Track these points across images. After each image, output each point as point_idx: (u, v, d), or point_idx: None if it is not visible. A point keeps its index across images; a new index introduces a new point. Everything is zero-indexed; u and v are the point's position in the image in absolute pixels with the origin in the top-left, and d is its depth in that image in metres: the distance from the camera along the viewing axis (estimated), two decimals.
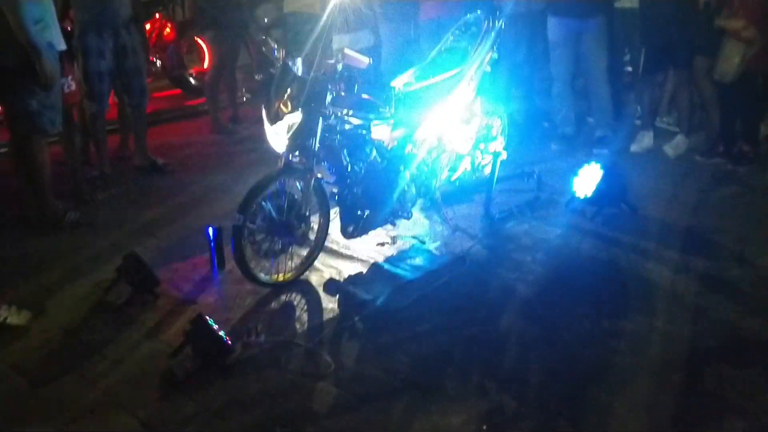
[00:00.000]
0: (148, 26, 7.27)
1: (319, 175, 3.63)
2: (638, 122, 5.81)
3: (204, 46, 7.22)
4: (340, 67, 3.41)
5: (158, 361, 3.03)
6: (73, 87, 4.80)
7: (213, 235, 3.84)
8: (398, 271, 3.80)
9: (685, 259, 3.80)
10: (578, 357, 3.00)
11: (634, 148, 5.52)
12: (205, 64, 7.32)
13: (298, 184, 3.59)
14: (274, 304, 3.52)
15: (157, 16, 7.50)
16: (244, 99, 7.51)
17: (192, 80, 7.69)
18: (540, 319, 3.29)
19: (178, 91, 7.77)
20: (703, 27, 5.00)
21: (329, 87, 3.42)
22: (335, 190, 3.79)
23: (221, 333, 3.01)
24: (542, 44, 5.87)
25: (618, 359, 2.97)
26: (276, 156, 3.58)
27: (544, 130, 5.92)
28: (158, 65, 7.48)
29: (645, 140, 5.54)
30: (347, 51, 3.39)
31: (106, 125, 5.24)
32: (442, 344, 3.13)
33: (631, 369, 2.91)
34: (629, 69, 6.37)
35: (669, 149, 5.32)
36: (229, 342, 3.01)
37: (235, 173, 5.36)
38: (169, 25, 7.56)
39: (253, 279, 3.54)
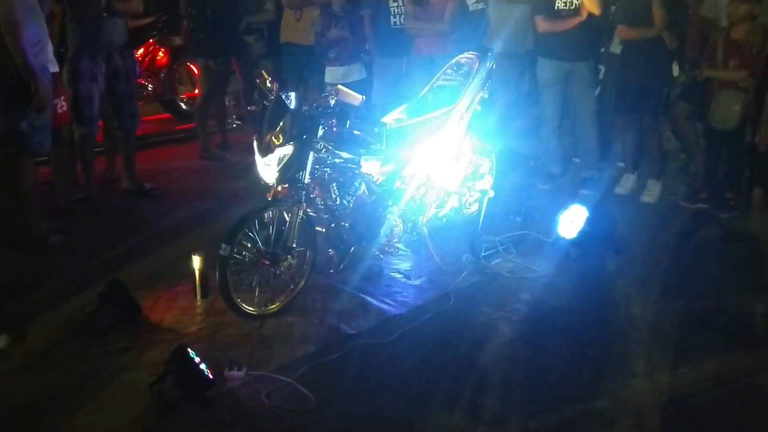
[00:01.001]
0: (141, 50, 7.32)
1: (307, 210, 3.64)
2: (621, 165, 5.88)
3: (196, 71, 7.27)
4: (333, 102, 3.44)
5: (138, 390, 3.00)
6: (65, 107, 4.80)
7: (198, 263, 3.83)
8: (383, 306, 3.79)
9: (667, 302, 3.83)
10: (561, 399, 3.00)
11: (618, 190, 5.58)
12: (197, 90, 7.37)
13: (286, 215, 3.60)
14: (256, 336, 3.49)
15: (151, 41, 7.54)
16: (234, 125, 7.54)
17: (183, 105, 7.72)
18: (524, 360, 3.30)
19: (168, 115, 7.79)
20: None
21: (321, 121, 3.45)
22: (323, 224, 3.80)
23: (202, 365, 2.99)
24: (528, 85, 5.98)
25: (600, 403, 2.98)
26: (265, 185, 3.59)
27: (531, 170, 5.98)
28: (150, 89, 7.49)
29: (629, 183, 5.61)
30: (341, 87, 3.44)
31: (95, 148, 5.24)
32: (426, 381, 3.12)
33: (613, 413, 2.91)
34: None
35: (647, 197, 5.39)
36: (210, 374, 2.99)
37: (222, 201, 5.36)
38: (162, 50, 7.60)
39: (237, 310, 3.52)
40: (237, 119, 7.68)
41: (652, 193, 5.38)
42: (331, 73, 5.78)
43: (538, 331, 3.56)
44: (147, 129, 6.84)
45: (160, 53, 7.56)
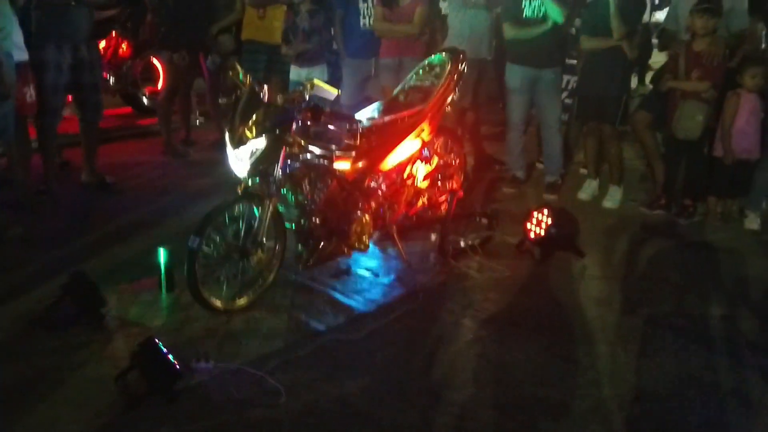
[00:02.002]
0: (103, 43, 7.18)
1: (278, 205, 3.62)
2: (584, 171, 5.99)
3: (159, 66, 7.17)
4: (307, 96, 3.43)
5: (102, 383, 2.93)
6: (34, 97, 4.68)
7: (164, 257, 3.76)
8: (352, 303, 3.79)
9: (629, 304, 3.91)
10: (530, 397, 3.03)
11: (580, 195, 5.68)
12: (159, 85, 7.27)
13: (256, 210, 3.57)
14: (224, 331, 3.45)
15: (114, 33, 7.39)
16: (197, 122, 7.45)
17: (145, 100, 7.60)
18: (492, 358, 3.32)
19: (128, 109, 7.65)
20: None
21: (296, 115, 3.43)
22: (293, 219, 3.77)
23: (170, 357, 2.94)
24: (489, 90, 6.07)
25: (567, 399, 3.02)
26: (231, 181, 3.55)
27: (495, 174, 6.05)
28: (111, 82, 7.35)
29: (591, 189, 5.72)
30: (316, 81, 3.42)
31: (56, 139, 5.11)
32: (396, 378, 3.12)
33: (580, 409, 2.96)
34: None
35: (608, 203, 5.50)
36: (178, 367, 2.94)
37: (185, 197, 5.30)
38: (125, 43, 7.46)
39: (205, 304, 3.47)
40: (201, 116, 7.59)
41: (613, 198, 5.50)
42: (295, 72, 5.81)
43: (506, 329, 3.59)
44: (107, 123, 6.69)
45: (123, 46, 7.43)
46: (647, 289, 4.14)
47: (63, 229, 4.58)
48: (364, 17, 5.93)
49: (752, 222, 5.09)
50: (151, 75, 7.54)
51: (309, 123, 3.47)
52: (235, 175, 3.54)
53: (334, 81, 6.00)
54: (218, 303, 3.51)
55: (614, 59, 5.24)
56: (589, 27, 5.36)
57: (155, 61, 7.36)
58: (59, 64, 4.86)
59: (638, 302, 3.94)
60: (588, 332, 3.61)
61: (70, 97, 5.31)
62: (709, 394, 3.09)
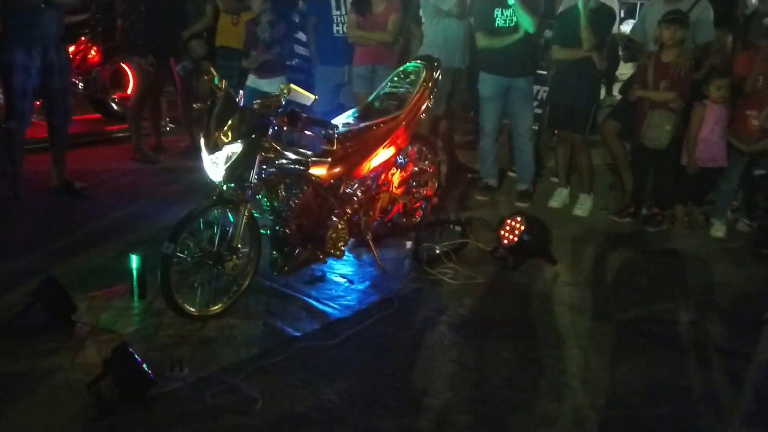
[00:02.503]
0: (72, 48, 7.07)
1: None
2: (555, 180, 6.07)
3: (129, 72, 7.10)
4: (283, 101, 3.42)
5: (74, 390, 2.88)
6: (2, 101, 4.60)
7: (136, 263, 3.72)
8: (327, 309, 3.77)
9: (600, 310, 3.96)
10: (505, 401, 3.05)
11: (551, 203, 5.75)
12: (129, 90, 7.19)
13: (231, 215, 3.54)
14: (198, 338, 3.41)
15: (83, 38, 7.30)
16: (168, 128, 7.38)
17: (114, 106, 7.51)
18: (468, 362, 3.34)
19: (98, 115, 7.55)
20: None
21: (272, 120, 3.42)
22: (268, 225, 3.76)
23: (143, 365, 2.90)
24: (461, 100, 6.12)
25: (541, 403, 3.04)
26: (203, 188, 3.53)
27: (468, 182, 6.10)
28: (80, 88, 7.24)
29: (562, 197, 5.79)
30: (293, 86, 3.42)
31: (24, 144, 5.03)
32: (372, 383, 3.11)
33: (554, 413, 2.98)
34: None
35: (578, 211, 5.58)
36: (151, 374, 2.90)
37: (156, 203, 5.26)
38: (94, 48, 7.37)
39: (178, 310, 3.44)
40: (171, 122, 7.52)
41: (583, 207, 5.58)
42: (254, 82, 5.79)
43: (481, 335, 3.61)
44: (76, 128, 6.58)
45: (93, 51, 7.33)
46: (618, 295, 4.20)
47: (32, 235, 4.50)
48: (337, 24, 5.95)
49: (718, 230, 5.20)
50: (120, 81, 7.45)
51: (285, 128, 3.46)
52: (210, 180, 3.52)
53: (306, 88, 5.98)
54: (192, 309, 3.48)
55: (584, 70, 5.33)
56: (559, 38, 5.45)
57: (125, 67, 7.28)
58: (28, 68, 4.79)
59: (609, 308, 4.00)
60: (561, 337, 3.65)
61: (38, 102, 5.22)
62: (680, 398, 3.14)
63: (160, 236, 3.45)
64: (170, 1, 6.12)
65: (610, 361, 3.44)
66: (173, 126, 7.49)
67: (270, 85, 5.62)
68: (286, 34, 5.83)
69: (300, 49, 6.31)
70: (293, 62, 6.15)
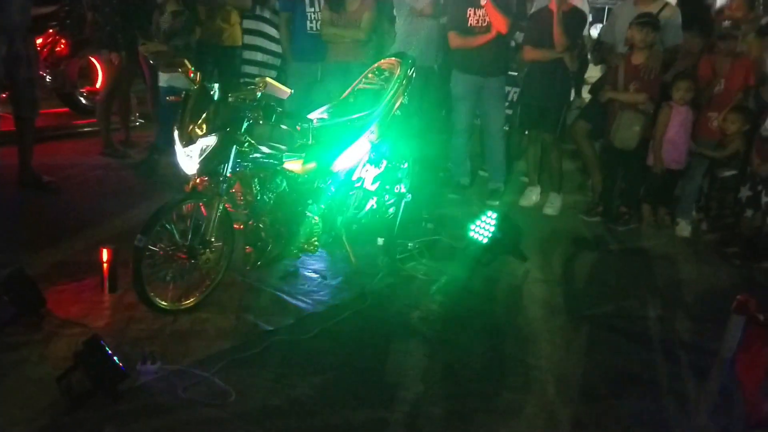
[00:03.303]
0: (40, 40, 6.95)
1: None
2: (525, 179, 6.14)
3: (98, 65, 7.00)
4: (259, 94, 3.41)
5: (43, 383, 2.85)
6: None
7: (106, 256, 3.67)
8: (300, 304, 3.77)
9: (570, 306, 4.03)
10: (476, 393, 3.09)
11: (522, 202, 5.82)
12: (98, 84, 7.09)
13: (204, 209, 3.52)
14: (169, 332, 3.38)
15: (51, 31, 7.17)
16: (137, 123, 7.29)
17: (83, 99, 7.39)
18: (440, 357, 3.37)
19: (66, 109, 7.43)
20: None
21: (247, 114, 3.41)
22: (241, 220, 3.74)
23: (115, 357, 2.86)
24: (435, 98, 6.15)
25: (513, 396, 3.08)
26: (173, 183, 3.49)
27: (441, 180, 6.14)
28: (48, 81, 7.12)
29: (532, 196, 5.86)
30: (269, 80, 3.40)
31: None
32: (345, 377, 3.13)
33: (525, 406, 3.02)
34: None
35: (548, 210, 5.65)
36: (123, 367, 2.87)
37: (125, 197, 5.20)
38: (62, 41, 7.25)
39: (150, 304, 3.40)
40: (141, 118, 7.43)
41: (553, 205, 5.65)
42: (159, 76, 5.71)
43: (453, 330, 3.65)
44: (44, 122, 6.48)
45: (61, 44, 7.20)
46: (587, 292, 4.28)
47: None
48: (311, 21, 5.91)
49: (683, 229, 5.31)
50: (89, 74, 7.34)
51: (261, 122, 3.45)
52: (183, 173, 3.49)
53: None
54: (164, 303, 3.45)
55: (555, 70, 5.40)
56: (531, 39, 5.51)
57: (94, 61, 7.18)
58: None
59: (579, 304, 4.07)
60: (531, 332, 3.70)
61: (4, 95, 5.13)
62: (648, 391, 3.21)
63: (130, 230, 3.42)
64: None
65: (579, 355, 3.50)
66: (143, 121, 7.39)
67: (171, 81, 5.46)
68: (187, 24, 5.64)
69: (271, 46, 6.28)
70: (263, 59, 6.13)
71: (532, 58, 5.53)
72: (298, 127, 3.60)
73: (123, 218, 4.71)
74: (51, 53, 7.16)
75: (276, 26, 6.18)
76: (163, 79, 5.60)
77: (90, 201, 5.12)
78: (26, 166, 5.22)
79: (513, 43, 6.11)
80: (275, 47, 6.25)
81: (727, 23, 5.71)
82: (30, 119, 5.15)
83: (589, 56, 6.62)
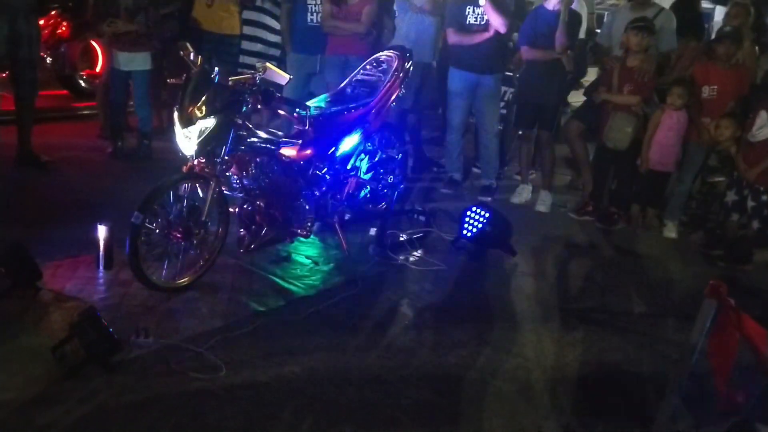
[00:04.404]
0: (41, 21, 6.99)
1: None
2: (518, 177, 6.23)
3: (98, 48, 7.05)
4: (258, 79, 3.48)
5: (37, 353, 2.91)
6: None
7: (103, 233, 3.73)
8: (291, 287, 3.84)
9: (557, 298, 4.12)
10: (461, 377, 3.17)
11: (513, 199, 5.90)
12: (98, 68, 7.14)
13: (200, 190, 3.59)
14: (163, 309, 3.45)
15: (53, 12, 7.22)
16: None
17: (82, 83, 7.44)
18: (427, 342, 3.45)
19: (65, 92, 7.47)
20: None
21: (246, 98, 3.48)
22: (236, 203, 3.81)
23: (110, 329, 2.93)
24: (430, 95, 6.23)
25: (497, 382, 3.16)
26: (169, 165, 3.55)
27: (433, 175, 6.22)
28: (48, 62, 7.16)
29: (524, 194, 5.94)
30: (269, 65, 3.47)
31: None
32: (333, 358, 3.20)
33: (509, 390, 3.11)
34: None
35: (540, 207, 5.74)
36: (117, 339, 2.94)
37: (122, 179, 5.26)
38: (64, 23, 7.29)
39: (145, 281, 3.47)
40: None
41: (545, 203, 5.74)
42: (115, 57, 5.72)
43: (440, 317, 3.73)
44: (43, 103, 6.52)
45: (62, 26, 7.25)
46: (574, 287, 4.37)
47: None
48: (311, 13, 5.99)
49: (670, 231, 5.41)
50: (89, 57, 7.38)
51: (259, 107, 3.52)
52: (182, 154, 3.55)
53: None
54: (159, 281, 3.52)
55: (553, 70, 5.49)
56: (529, 38, 5.57)
57: (94, 44, 7.22)
58: None
59: (565, 298, 4.16)
60: (518, 322, 3.78)
61: (4, 74, 5.17)
62: (629, 381, 3.30)
63: (125, 210, 3.47)
64: None
65: (563, 345, 3.58)
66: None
67: (132, 61, 5.50)
68: (157, 18, 5.67)
69: (271, 37, 6.36)
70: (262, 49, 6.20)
71: (530, 58, 5.61)
72: (295, 114, 3.67)
73: (119, 198, 4.74)
74: (52, 35, 7.21)
75: (276, 17, 6.25)
76: (123, 61, 5.59)
77: (87, 181, 5.19)
78: (25, 145, 5.27)
79: (511, 44, 6.20)
80: (275, 38, 6.33)
81: (727, 29, 5.78)
82: (29, 99, 5.20)
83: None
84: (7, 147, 5.33)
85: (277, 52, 6.38)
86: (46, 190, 4.90)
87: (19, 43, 4.91)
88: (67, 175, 5.27)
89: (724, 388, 2.27)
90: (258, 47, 6.35)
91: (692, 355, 2.30)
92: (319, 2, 5.92)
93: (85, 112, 7.01)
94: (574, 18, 5.54)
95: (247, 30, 6.24)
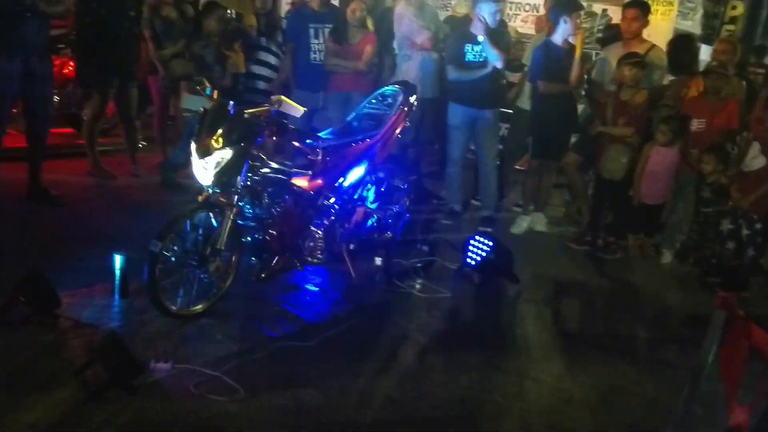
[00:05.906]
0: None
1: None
2: (516, 208, 6.38)
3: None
4: (273, 112, 3.61)
5: (59, 377, 2.98)
6: None
7: (119, 263, 3.82)
8: (303, 315, 3.93)
9: (561, 324, 4.23)
10: (473, 399, 3.25)
11: (513, 230, 6.02)
12: None
13: (216, 219, 3.69)
14: (179, 335, 3.53)
15: (62, 53, 7.38)
16: (140, 145, 7.45)
17: None
18: (437, 366, 3.53)
19: (70, 129, 7.59)
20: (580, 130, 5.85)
21: (261, 130, 3.61)
22: (249, 232, 3.91)
23: (130, 353, 3.01)
24: (430, 129, 6.39)
25: (508, 403, 3.25)
26: (177, 200, 3.65)
27: (433, 207, 6.34)
28: (56, 100, 7.28)
29: (523, 224, 6.07)
30: (283, 98, 3.62)
31: None
32: (345, 380, 3.28)
33: (519, 411, 3.20)
34: None
35: (538, 226, 5.88)
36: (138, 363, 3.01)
37: (132, 212, 5.36)
38: (70, 63, 7.45)
39: (161, 308, 3.55)
40: (143, 140, 7.59)
41: (541, 222, 5.93)
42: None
43: (449, 342, 3.82)
44: (49, 141, 6.62)
45: (69, 66, 7.41)
46: (576, 313, 4.48)
47: (8, 238, 4.53)
48: (314, 52, 6.19)
49: (667, 258, 5.53)
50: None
51: (274, 138, 3.65)
52: (198, 184, 3.66)
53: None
54: (174, 308, 3.60)
55: (565, 101, 5.71)
56: (546, 73, 5.71)
57: None
58: (9, 74, 4.86)
59: (568, 323, 4.27)
60: (524, 347, 3.88)
61: (15, 110, 5.28)
62: (632, 403, 3.39)
63: (136, 242, 3.58)
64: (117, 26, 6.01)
65: (569, 369, 3.67)
66: (144, 143, 7.55)
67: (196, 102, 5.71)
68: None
69: (274, 75, 6.52)
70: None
71: (548, 91, 5.76)
72: (307, 145, 3.80)
73: (129, 231, 4.84)
74: (59, 73, 7.34)
75: (279, 57, 6.43)
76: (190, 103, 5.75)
77: (96, 214, 5.28)
78: (36, 180, 5.36)
79: (505, 82, 6.38)
80: (270, 73, 6.48)
81: (714, 64, 5.99)
82: (42, 135, 5.31)
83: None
84: (16, 182, 5.42)
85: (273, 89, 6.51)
86: (57, 223, 4.98)
87: (32, 81, 5.03)
88: (77, 208, 5.35)
89: (734, 400, 2.35)
90: (261, 85, 6.51)
91: (704, 364, 2.39)
92: (322, 42, 6.14)
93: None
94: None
95: (252, 68, 6.40)
